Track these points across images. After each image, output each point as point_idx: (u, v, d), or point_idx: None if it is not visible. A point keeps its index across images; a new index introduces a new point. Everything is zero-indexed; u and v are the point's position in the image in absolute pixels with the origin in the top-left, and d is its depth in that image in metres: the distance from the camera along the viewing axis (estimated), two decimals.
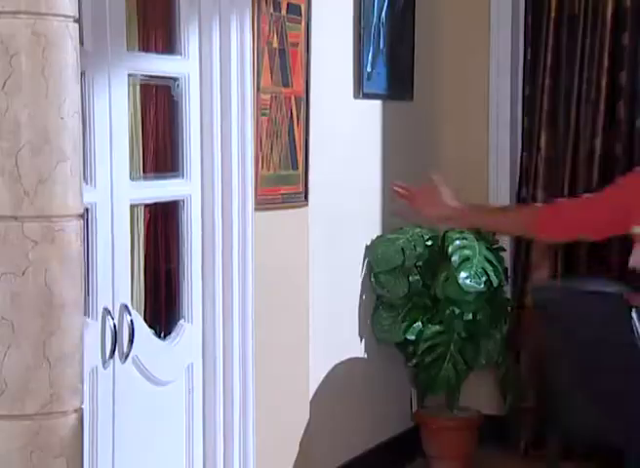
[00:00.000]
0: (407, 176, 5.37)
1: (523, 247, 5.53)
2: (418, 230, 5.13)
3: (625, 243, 5.36)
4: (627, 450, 5.06)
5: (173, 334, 3.82)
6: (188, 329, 3.82)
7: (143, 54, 3.81)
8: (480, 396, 5.50)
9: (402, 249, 5.02)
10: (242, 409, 3.96)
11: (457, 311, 5.06)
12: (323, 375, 4.74)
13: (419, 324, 5.07)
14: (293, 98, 4.34)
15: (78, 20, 2.48)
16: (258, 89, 4.10)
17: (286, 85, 4.28)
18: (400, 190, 3.29)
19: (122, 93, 3.51)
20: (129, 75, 3.58)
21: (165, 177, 4.00)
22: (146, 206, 3.89)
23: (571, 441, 5.30)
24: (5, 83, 2.34)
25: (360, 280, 5.05)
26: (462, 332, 5.06)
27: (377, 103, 5.15)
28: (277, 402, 4.21)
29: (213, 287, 3.92)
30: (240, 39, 4.00)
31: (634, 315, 4.65)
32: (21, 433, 2.42)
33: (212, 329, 3.92)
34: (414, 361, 5.16)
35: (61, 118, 2.41)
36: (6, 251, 2.36)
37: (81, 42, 2.84)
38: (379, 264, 5.02)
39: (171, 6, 3.88)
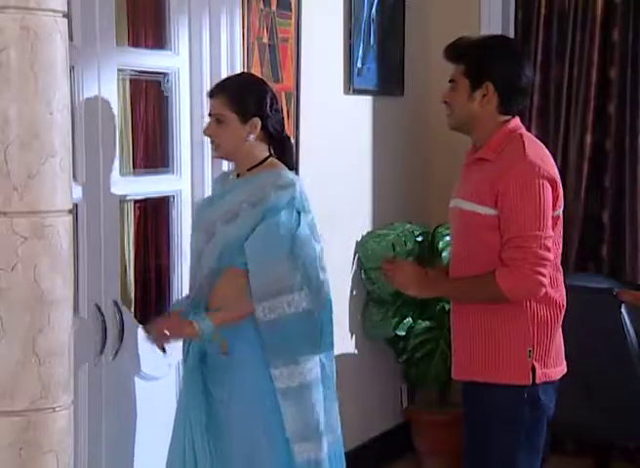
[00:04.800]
0: (397, 172, 5.39)
1: None
2: (408, 226, 5.14)
3: (619, 241, 5.40)
4: (616, 443, 5.09)
5: None
6: None
7: (133, 49, 3.81)
8: None
9: (392, 245, 5.02)
10: None
11: (447, 307, 5.05)
12: None
13: (409, 320, 5.07)
14: (283, 94, 4.34)
15: (67, 15, 2.47)
16: None
17: (276, 80, 4.28)
18: (387, 267, 3.42)
19: (112, 88, 3.50)
20: (118, 70, 3.57)
21: (155, 173, 4.00)
22: (136, 201, 3.89)
23: (560, 435, 5.31)
24: None
25: (350, 276, 5.05)
26: None
27: (367, 99, 5.15)
28: None
29: None
30: (230, 34, 3.99)
31: (624, 311, 4.66)
32: (11, 429, 2.41)
33: None
34: (404, 357, 5.17)
35: (50, 113, 2.40)
36: None
37: (70, 37, 2.83)
38: (369, 260, 5.02)
39: (160, 1, 3.87)
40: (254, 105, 3.33)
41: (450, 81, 3.37)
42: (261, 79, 3.61)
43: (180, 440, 3.38)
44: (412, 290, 3.38)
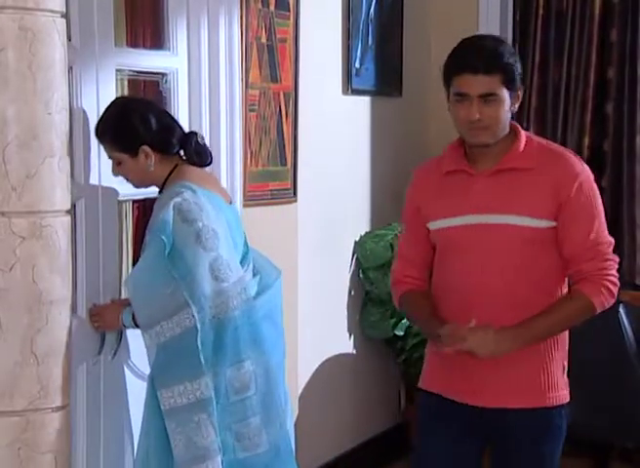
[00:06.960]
0: (395, 172, 5.39)
1: None
2: None
3: (617, 241, 5.39)
4: (614, 443, 5.08)
5: None
6: None
7: (131, 49, 3.81)
8: None
9: (391, 245, 5.02)
10: None
11: None
12: (311, 371, 4.74)
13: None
14: (281, 94, 4.34)
15: (65, 16, 2.48)
16: (246, 84, 4.10)
17: (274, 80, 4.28)
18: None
19: (110, 88, 3.50)
20: (117, 71, 3.57)
21: None
22: (135, 201, 3.89)
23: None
24: None
25: (349, 276, 5.06)
26: None
27: (365, 99, 5.15)
28: None
29: None
30: (228, 34, 3.99)
31: (622, 311, 4.66)
32: (9, 429, 2.41)
33: None
34: (402, 357, 5.17)
35: (49, 114, 2.41)
36: None
37: (68, 37, 2.84)
38: (367, 260, 5.03)
39: (159, 1, 3.88)
40: (135, 137, 3.22)
41: (486, 95, 2.97)
42: (128, 102, 3.43)
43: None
44: (490, 350, 3.01)
